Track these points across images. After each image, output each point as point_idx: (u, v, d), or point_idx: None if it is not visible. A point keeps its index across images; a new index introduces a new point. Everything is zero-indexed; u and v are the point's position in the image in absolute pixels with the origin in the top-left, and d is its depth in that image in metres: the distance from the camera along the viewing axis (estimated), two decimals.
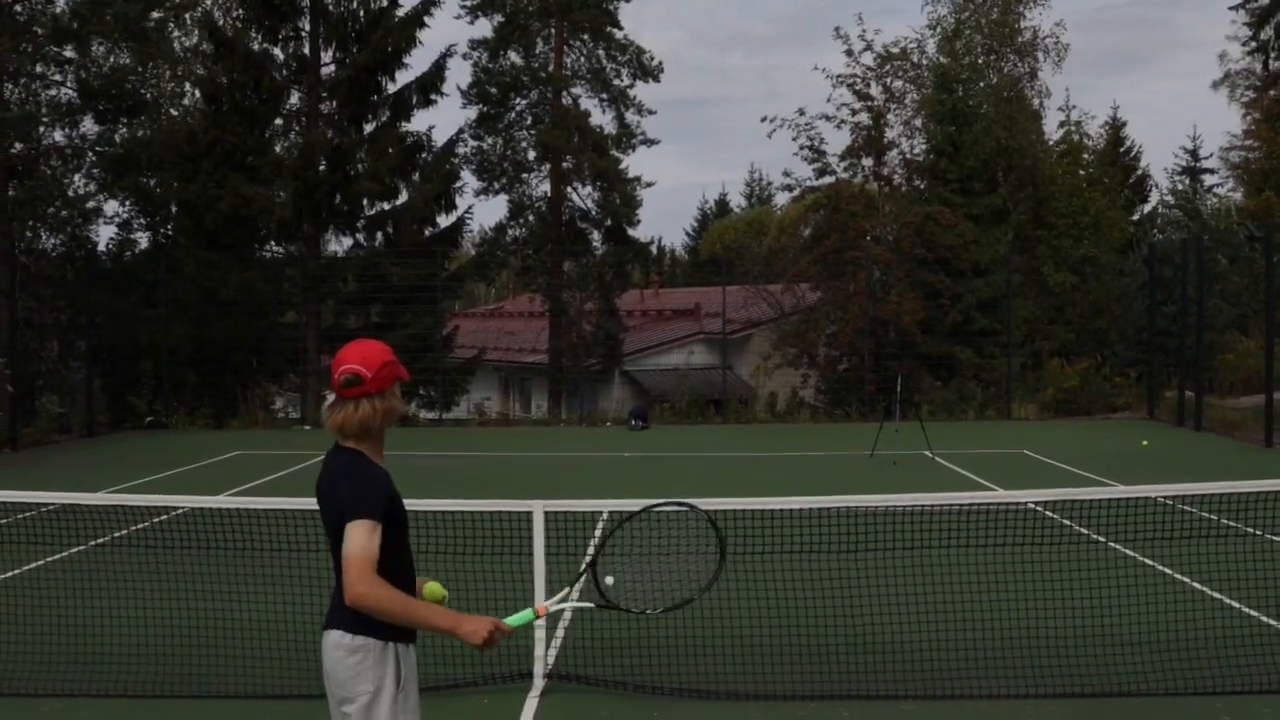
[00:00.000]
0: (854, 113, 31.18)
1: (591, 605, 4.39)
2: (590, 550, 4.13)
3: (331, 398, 3.88)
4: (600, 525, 10.46)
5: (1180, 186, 44.08)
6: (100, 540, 9.56)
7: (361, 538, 3.65)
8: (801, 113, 31.46)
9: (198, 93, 31.12)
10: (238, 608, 8.12)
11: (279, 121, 30.02)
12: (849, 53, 31.74)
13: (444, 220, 30.16)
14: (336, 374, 3.81)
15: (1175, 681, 6.97)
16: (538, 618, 4.07)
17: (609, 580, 4.42)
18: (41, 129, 27.86)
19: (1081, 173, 35.38)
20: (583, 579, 4.36)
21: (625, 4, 34.40)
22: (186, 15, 31.52)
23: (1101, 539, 9.75)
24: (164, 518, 11.06)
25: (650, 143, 34.45)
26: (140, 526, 10.38)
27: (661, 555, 4.74)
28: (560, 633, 8.06)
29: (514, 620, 3.90)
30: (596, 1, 33.34)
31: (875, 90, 31.98)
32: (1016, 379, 27.85)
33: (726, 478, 17.19)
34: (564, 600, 4.21)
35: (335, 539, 3.77)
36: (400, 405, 3.92)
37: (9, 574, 9.90)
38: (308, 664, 7.22)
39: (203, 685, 7.30)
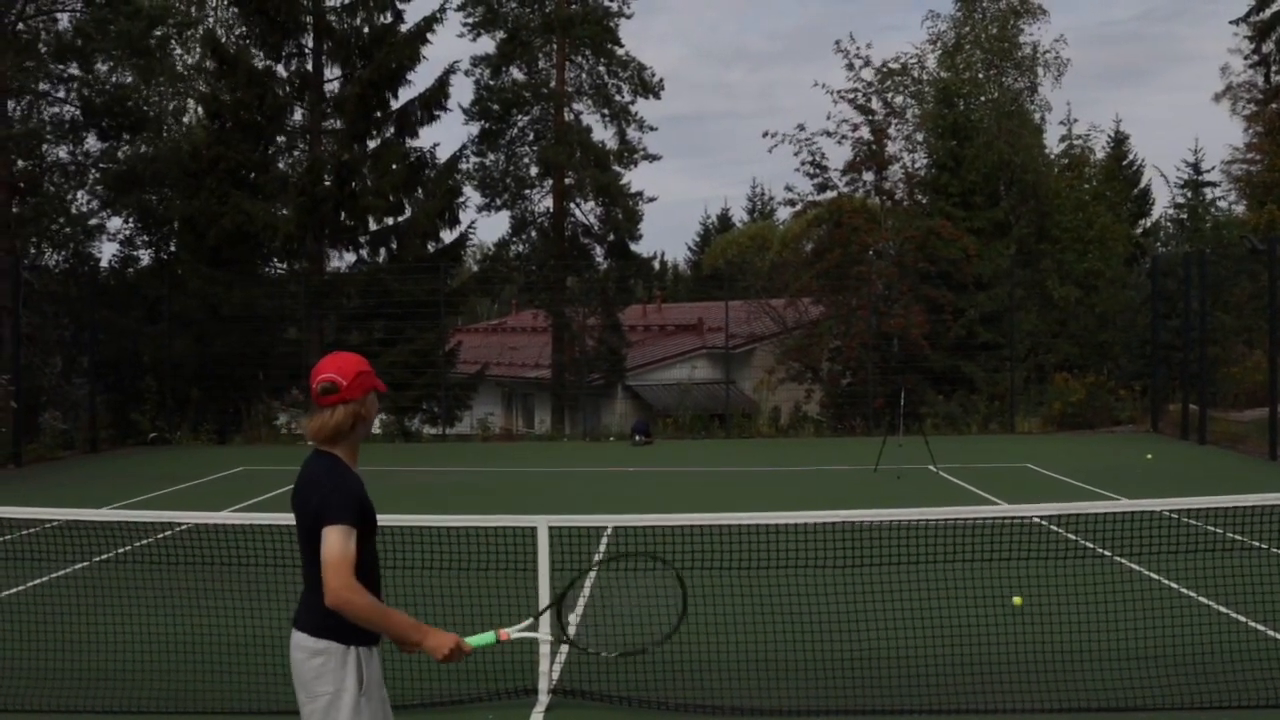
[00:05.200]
0: (855, 128, 31.19)
1: (551, 639, 4.48)
2: (563, 583, 4.33)
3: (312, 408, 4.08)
4: (604, 541, 10.45)
5: (1185, 199, 44.08)
6: (104, 556, 9.55)
7: (340, 541, 3.75)
8: (802, 128, 31.51)
9: (200, 109, 31.23)
10: (242, 624, 8.10)
11: (282, 138, 30.10)
12: (850, 66, 31.73)
13: (447, 236, 30.31)
14: (314, 383, 3.99)
15: (1181, 696, 6.95)
16: (499, 641, 4.19)
17: (571, 619, 4.57)
18: (44, 146, 27.96)
19: (1086, 186, 35.40)
20: (547, 612, 4.62)
21: (626, 20, 34.43)
22: (189, 32, 31.67)
23: (1106, 553, 9.75)
24: (168, 534, 11.04)
25: (652, 158, 34.53)
26: (144, 543, 10.37)
27: (626, 601, 4.85)
28: (565, 648, 8.03)
29: (475, 640, 4.08)
30: (598, 18, 33.44)
31: (876, 105, 31.97)
32: (1020, 393, 27.82)
33: (729, 492, 17.16)
34: (526, 630, 4.40)
35: (308, 542, 3.90)
36: (374, 414, 4.10)
37: (13, 590, 9.90)
38: None
39: (207, 702, 7.28)
